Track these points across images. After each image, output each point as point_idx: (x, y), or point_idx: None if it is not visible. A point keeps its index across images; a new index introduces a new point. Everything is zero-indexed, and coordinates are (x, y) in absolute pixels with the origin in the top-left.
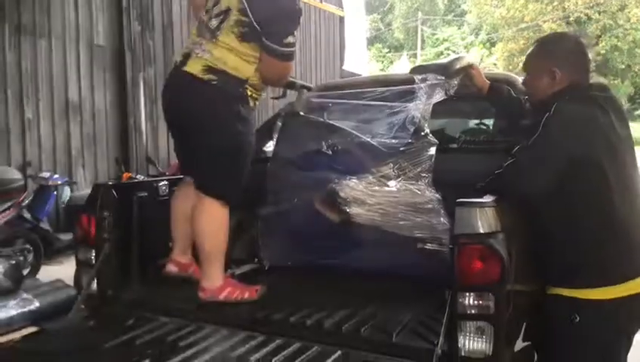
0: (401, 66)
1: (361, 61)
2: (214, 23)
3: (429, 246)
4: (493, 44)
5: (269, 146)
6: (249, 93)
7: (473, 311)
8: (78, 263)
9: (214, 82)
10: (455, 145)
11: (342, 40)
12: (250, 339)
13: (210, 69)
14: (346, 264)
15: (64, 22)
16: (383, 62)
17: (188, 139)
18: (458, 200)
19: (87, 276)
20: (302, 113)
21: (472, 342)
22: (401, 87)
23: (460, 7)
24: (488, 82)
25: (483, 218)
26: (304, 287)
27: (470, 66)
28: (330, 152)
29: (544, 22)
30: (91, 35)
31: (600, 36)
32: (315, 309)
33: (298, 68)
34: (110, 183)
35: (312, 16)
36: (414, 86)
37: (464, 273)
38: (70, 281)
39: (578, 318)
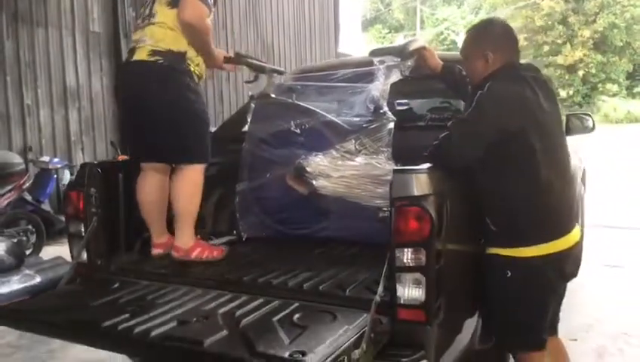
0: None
1: (356, 43)
2: (147, 11)
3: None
4: None
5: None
6: (192, 69)
7: (408, 264)
8: (70, 235)
9: (161, 62)
10: (419, 123)
11: (337, 22)
12: (219, 297)
13: (155, 52)
14: (315, 233)
15: (60, 9)
16: (383, 42)
17: (150, 121)
18: (395, 168)
19: (77, 247)
20: (272, 95)
21: (408, 291)
22: (360, 68)
23: None
24: (441, 63)
25: (417, 183)
26: (276, 255)
27: (423, 48)
28: (299, 131)
29: (542, 0)
30: (87, 22)
31: (598, 13)
32: (282, 272)
33: (293, 50)
34: (95, 162)
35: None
36: (373, 68)
37: (400, 231)
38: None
39: (510, 273)
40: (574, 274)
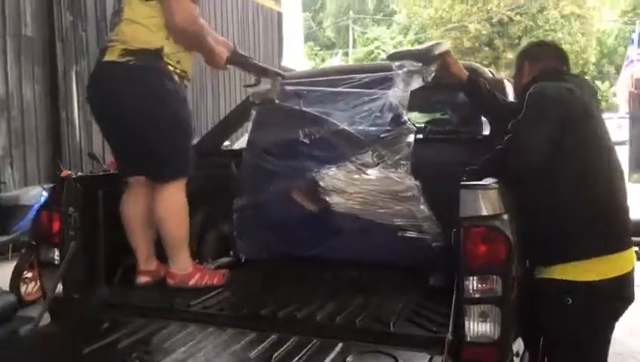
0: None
1: (298, 57)
2: (117, 5)
3: (409, 233)
4: (420, 44)
5: (239, 137)
6: (171, 67)
7: (480, 295)
8: (41, 265)
9: (132, 62)
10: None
11: (280, 35)
12: (241, 336)
13: (126, 52)
14: (324, 254)
15: None
16: (315, 59)
17: (124, 130)
18: (462, 183)
19: (51, 278)
20: (277, 101)
21: (478, 326)
22: (378, 73)
23: (388, 7)
24: (466, 72)
25: (488, 200)
26: (285, 280)
27: (447, 53)
28: (308, 141)
29: (470, 23)
30: (19, 26)
31: (521, 37)
32: (301, 302)
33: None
34: (76, 177)
35: (250, 12)
36: (392, 73)
37: (471, 256)
38: (5, 286)
39: (570, 300)
40: (632, 299)
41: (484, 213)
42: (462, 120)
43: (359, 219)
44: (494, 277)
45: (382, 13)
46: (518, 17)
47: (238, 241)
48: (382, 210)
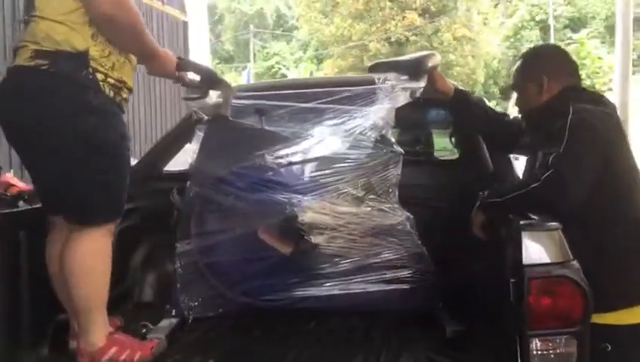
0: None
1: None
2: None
3: (401, 273)
4: (320, 61)
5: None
6: (99, 76)
7: (552, 360)
8: None
9: (44, 67)
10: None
11: (186, 46)
12: None
13: (38, 53)
14: (298, 304)
15: None
16: None
17: (33, 157)
18: (522, 222)
19: None
20: (230, 118)
21: None
22: (358, 87)
23: (288, 22)
24: (452, 87)
25: (553, 243)
26: (259, 338)
27: (434, 67)
28: (277, 167)
29: (370, 41)
30: None
31: None
32: None
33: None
34: None
35: (154, 20)
36: (374, 87)
37: (538, 313)
38: None
39: (610, 347)
40: None
41: (553, 259)
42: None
43: (342, 259)
44: (568, 337)
45: (281, 29)
46: (414, 38)
47: (181, 297)
48: (372, 248)
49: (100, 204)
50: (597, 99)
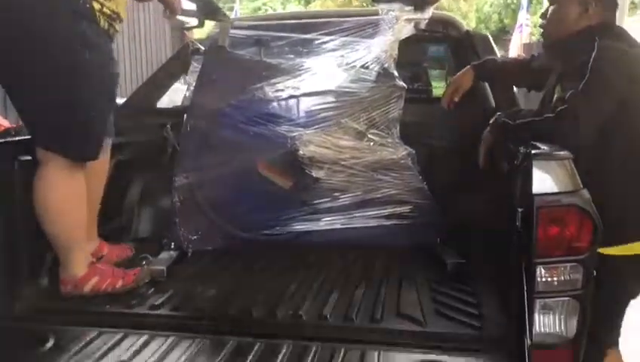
0: None
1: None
2: None
3: (402, 209)
4: (308, 2)
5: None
6: (95, 6)
7: (557, 288)
8: None
9: None
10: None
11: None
12: (243, 349)
13: None
14: (297, 238)
15: None
16: None
17: (19, 77)
18: (533, 151)
19: None
20: (228, 49)
21: (551, 324)
22: (360, 18)
23: None
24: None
25: (565, 172)
26: (260, 271)
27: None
28: (278, 100)
29: None
30: None
31: None
32: (296, 298)
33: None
34: None
35: None
36: (377, 18)
37: (549, 241)
38: None
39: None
40: None
41: (562, 188)
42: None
43: (343, 194)
44: (574, 266)
45: None
46: None
47: (181, 230)
48: (372, 182)
49: (78, 136)
50: (629, 37)
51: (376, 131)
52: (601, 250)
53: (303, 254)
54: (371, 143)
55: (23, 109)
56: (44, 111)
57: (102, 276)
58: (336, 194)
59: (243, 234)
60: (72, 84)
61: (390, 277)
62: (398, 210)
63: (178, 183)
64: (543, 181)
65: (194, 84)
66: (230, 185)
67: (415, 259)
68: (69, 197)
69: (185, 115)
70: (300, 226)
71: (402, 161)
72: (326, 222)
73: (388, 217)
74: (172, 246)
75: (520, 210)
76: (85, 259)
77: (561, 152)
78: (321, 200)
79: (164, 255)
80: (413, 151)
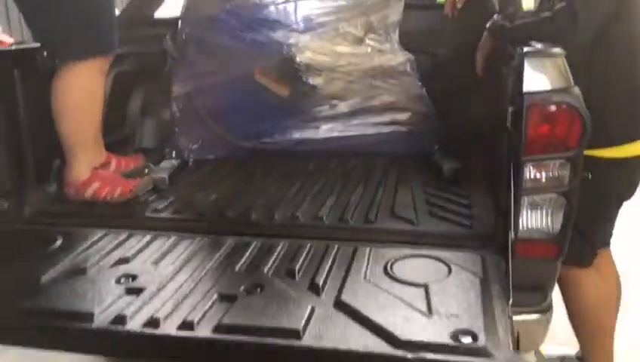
0: None
1: None
2: None
3: (401, 116)
4: None
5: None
6: None
7: (545, 184)
8: None
9: None
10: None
11: None
12: (242, 247)
13: None
14: (299, 147)
15: None
16: None
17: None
18: (525, 50)
19: None
20: None
21: (537, 219)
22: None
23: None
24: None
25: (556, 70)
26: (260, 177)
27: None
28: (273, 6)
29: None
30: None
31: None
32: (294, 201)
33: None
34: None
35: None
36: None
37: (534, 138)
38: None
39: (590, 175)
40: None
41: (553, 86)
42: None
43: (344, 101)
44: (562, 163)
45: None
46: None
47: (180, 140)
48: (373, 90)
49: (83, 37)
50: None
51: (374, 36)
52: (589, 152)
53: (302, 162)
54: (369, 49)
55: (37, 28)
56: (50, 17)
57: (103, 182)
58: (334, 101)
59: (242, 142)
60: None
61: (387, 181)
62: (398, 117)
63: (176, 93)
64: (534, 79)
65: None
66: (228, 94)
67: (413, 166)
68: (83, 95)
69: (180, 23)
70: (298, 134)
71: (401, 68)
72: (324, 130)
73: (387, 124)
74: (173, 156)
75: (510, 109)
76: (89, 164)
77: (554, 50)
78: (318, 108)
79: (165, 164)
80: (413, 57)
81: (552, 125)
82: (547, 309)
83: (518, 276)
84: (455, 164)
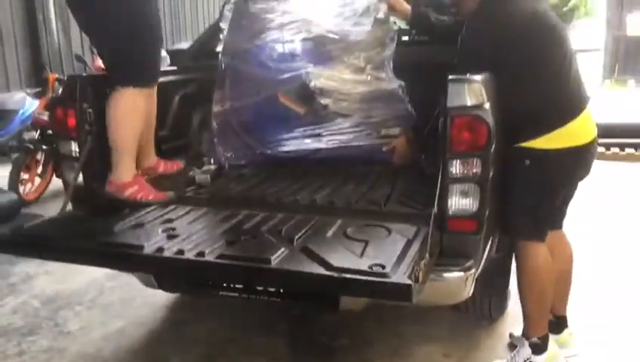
0: None
1: None
2: None
3: (392, 131)
4: None
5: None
6: None
7: (462, 175)
8: (61, 157)
9: None
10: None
11: None
12: (251, 217)
13: None
14: (311, 155)
15: None
16: None
17: (94, 25)
18: (450, 77)
19: (71, 169)
20: (250, 2)
21: (460, 202)
22: None
23: None
24: (409, 8)
25: (471, 92)
26: (280, 175)
27: None
28: (294, 42)
29: None
30: None
31: None
32: (301, 190)
33: None
34: (85, 75)
35: None
36: None
37: (455, 141)
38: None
39: (528, 162)
40: (587, 173)
41: (469, 103)
42: None
43: (348, 118)
44: (475, 159)
45: None
46: None
47: (218, 148)
48: (371, 109)
49: (129, 68)
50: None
51: (373, 67)
52: (527, 144)
53: (314, 165)
54: (369, 77)
55: (101, 54)
56: (112, 51)
57: (140, 188)
58: (340, 118)
59: (267, 150)
60: (129, 28)
61: (378, 180)
62: (391, 131)
63: (215, 110)
64: (456, 97)
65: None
66: (256, 112)
67: (400, 170)
68: (129, 113)
69: (220, 55)
70: (311, 144)
71: (395, 92)
72: (332, 141)
73: (382, 137)
74: (212, 162)
75: (441, 119)
76: (131, 169)
77: (473, 77)
78: (328, 123)
79: (207, 167)
80: (404, 84)
81: (467, 132)
82: (468, 269)
83: (448, 245)
84: (432, 169)
